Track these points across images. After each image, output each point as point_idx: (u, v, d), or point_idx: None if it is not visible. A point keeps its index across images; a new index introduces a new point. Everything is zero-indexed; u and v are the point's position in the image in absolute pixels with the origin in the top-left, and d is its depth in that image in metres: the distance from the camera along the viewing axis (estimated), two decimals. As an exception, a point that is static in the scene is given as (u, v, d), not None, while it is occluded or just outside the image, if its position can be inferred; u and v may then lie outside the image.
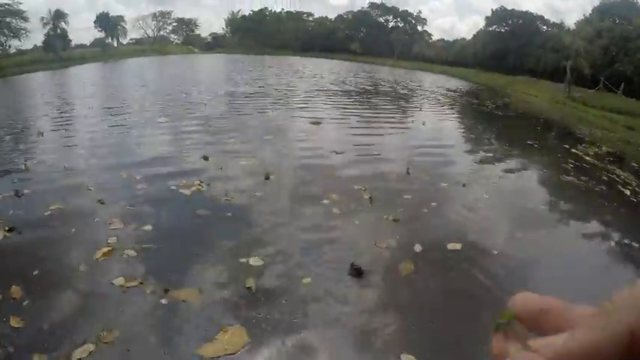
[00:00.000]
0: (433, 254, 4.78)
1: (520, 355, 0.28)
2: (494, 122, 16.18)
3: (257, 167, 7.46)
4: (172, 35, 77.72)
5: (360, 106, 17.46)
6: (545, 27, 43.48)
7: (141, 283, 3.85)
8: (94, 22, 56.55)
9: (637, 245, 5.48)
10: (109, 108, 14.02)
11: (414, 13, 67.87)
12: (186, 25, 78.18)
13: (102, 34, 57.26)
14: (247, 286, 3.87)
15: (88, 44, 62.65)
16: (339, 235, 5.03)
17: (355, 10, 73.27)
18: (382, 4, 68.82)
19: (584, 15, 37.83)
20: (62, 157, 8.02)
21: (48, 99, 17.04)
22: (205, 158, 7.85)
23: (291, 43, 69.52)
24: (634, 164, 10.65)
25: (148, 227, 4.98)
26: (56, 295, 3.61)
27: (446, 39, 62.87)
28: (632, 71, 26.40)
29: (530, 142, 12.70)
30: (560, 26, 41.63)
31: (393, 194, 6.51)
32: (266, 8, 77.16)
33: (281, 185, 6.74)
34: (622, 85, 24.63)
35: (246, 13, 77.60)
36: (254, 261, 4.30)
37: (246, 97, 17.41)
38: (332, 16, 78.72)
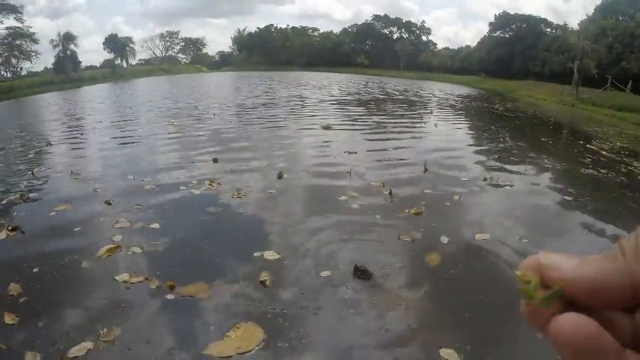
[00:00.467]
0: (460, 245, 4.43)
1: (565, 318, 0.26)
2: (505, 123, 15.82)
3: (269, 168, 7.20)
4: (180, 55, 79.23)
5: (376, 112, 17.26)
6: (549, 29, 43.30)
7: (146, 279, 3.56)
8: (103, 43, 57.69)
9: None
10: (118, 121, 13.95)
11: (418, 23, 68.37)
12: (194, 45, 79.65)
13: (111, 56, 58.30)
14: (262, 279, 3.55)
15: (98, 65, 64.12)
16: (360, 229, 4.69)
17: (360, 23, 74.03)
18: (386, 16, 69.59)
19: (586, 15, 37.65)
20: (70, 164, 7.85)
21: (58, 115, 17.17)
22: (215, 161, 7.61)
23: (297, 59, 70.35)
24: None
25: (156, 225, 4.70)
26: (55, 293, 3.33)
27: (450, 47, 63.06)
28: (639, 68, 25.89)
29: (544, 140, 12.42)
30: (563, 28, 41.46)
31: (412, 190, 6.18)
32: (272, 25, 78.32)
33: (295, 183, 6.45)
34: (629, 83, 24.10)
35: (253, 31, 78.81)
36: (269, 255, 3.98)
37: (255, 107, 17.33)
38: (337, 30, 79.65)
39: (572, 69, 26.80)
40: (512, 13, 45.97)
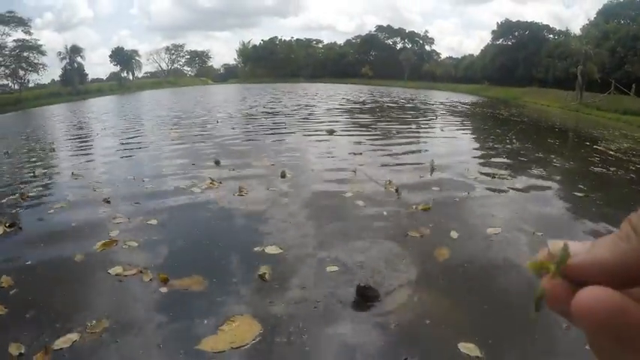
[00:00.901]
0: (471, 240, 4.25)
1: (588, 292, 0.24)
2: (511, 126, 15.59)
3: (272, 168, 7.08)
4: (186, 67, 79.99)
5: (382, 119, 17.16)
6: (551, 35, 43.17)
7: (140, 272, 3.42)
8: (110, 56, 58.52)
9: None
10: (121, 130, 13.95)
11: (421, 33, 68.68)
12: (199, 57, 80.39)
13: (117, 68, 59.04)
14: (260, 273, 3.39)
15: (105, 78, 64.93)
16: (366, 225, 4.53)
17: (363, 34, 74.48)
18: (389, 27, 70.00)
19: (588, 19, 37.58)
20: (71, 166, 7.80)
21: (63, 125, 17.28)
22: (217, 163, 7.48)
23: (302, 70, 70.74)
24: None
25: (154, 221, 4.58)
26: (46, 285, 3.19)
27: (454, 56, 63.17)
28: None
29: (551, 141, 12.25)
30: (566, 33, 41.39)
31: (419, 187, 6.00)
32: (276, 37, 79.03)
33: (299, 182, 6.30)
34: (633, 87, 23.80)
35: (257, 43, 79.53)
36: (271, 250, 3.82)
37: (260, 115, 17.30)
38: (341, 41, 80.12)
39: (575, 74, 26.54)
40: (514, 20, 46.05)
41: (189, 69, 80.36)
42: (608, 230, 4.61)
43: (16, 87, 36.92)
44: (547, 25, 44.44)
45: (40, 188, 6.25)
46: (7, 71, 36.33)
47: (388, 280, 3.34)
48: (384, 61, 64.31)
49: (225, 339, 2.63)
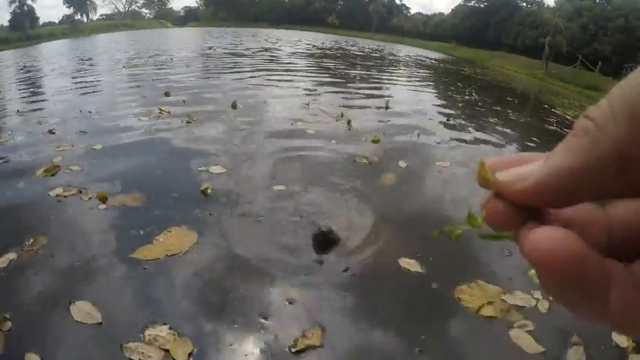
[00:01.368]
0: (419, 170, 4.37)
1: (541, 234, 0.22)
2: (473, 82, 15.81)
3: (223, 99, 6.93)
4: (144, 9, 74.66)
5: (352, 67, 16.87)
6: (524, 4, 43.26)
7: (79, 192, 3.32)
8: (62, -3, 53.50)
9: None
10: (72, 71, 12.98)
11: (392, -14, 66.71)
12: (158, -1, 75.02)
13: (70, 11, 54.52)
14: (202, 188, 3.37)
15: (57, 21, 59.76)
16: (314, 153, 4.54)
17: (332, -19, 71.40)
18: (360, -24, 67.31)
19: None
20: (18, 105, 7.22)
21: (12, 70, 15.86)
22: (167, 94, 7.22)
23: (266, 16, 67.53)
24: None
25: (99, 146, 4.41)
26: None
27: (424, 13, 62.28)
28: (611, 51, 26.37)
29: (510, 99, 12.52)
30: (539, 3, 41.61)
31: (372, 122, 6.06)
32: (241, -21, 74.48)
33: (250, 112, 6.22)
34: (599, 64, 24.45)
35: (221, -14, 74.80)
36: (215, 169, 3.79)
37: (221, 56, 16.54)
38: (309, -12, 76.48)
39: (543, 44, 27.00)
40: (489, -17, 45.46)
41: (147, 11, 75.16)
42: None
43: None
44: (521, -8, 44.31)
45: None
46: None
47: (331, 200, 3.42)
48: (351, 11, 62.47)
49: (160, 248, 2.63)
